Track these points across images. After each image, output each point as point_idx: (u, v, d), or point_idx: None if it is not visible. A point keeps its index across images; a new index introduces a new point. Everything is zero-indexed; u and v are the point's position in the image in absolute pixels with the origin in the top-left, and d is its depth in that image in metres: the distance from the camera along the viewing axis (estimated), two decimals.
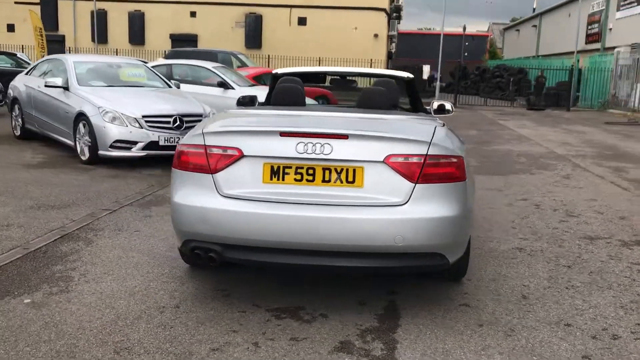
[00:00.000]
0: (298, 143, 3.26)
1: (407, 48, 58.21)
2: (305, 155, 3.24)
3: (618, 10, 28.32)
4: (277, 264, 3.30)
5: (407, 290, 3.88)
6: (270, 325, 3.33)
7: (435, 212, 3.23)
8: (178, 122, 8.06)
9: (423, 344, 3.16)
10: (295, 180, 3.26)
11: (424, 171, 3.24)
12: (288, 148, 3.26)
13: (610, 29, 29.19)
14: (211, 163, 3.32)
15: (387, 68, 33.20)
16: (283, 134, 3.30)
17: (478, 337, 3.25)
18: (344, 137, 3.25)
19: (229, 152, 3.31)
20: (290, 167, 3.27)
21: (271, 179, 3.28)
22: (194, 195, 3.35)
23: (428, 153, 3.26)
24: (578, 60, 30.01)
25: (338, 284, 3.93)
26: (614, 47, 27.33)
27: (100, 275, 4.02)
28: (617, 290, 4.01)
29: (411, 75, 5.48)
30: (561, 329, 3.39)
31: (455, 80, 31.95)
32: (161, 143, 7.95)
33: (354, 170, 3.24)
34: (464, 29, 54.24)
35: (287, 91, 4.44)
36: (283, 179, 3.27)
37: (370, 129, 3.38)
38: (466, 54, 56.91)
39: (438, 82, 29.70)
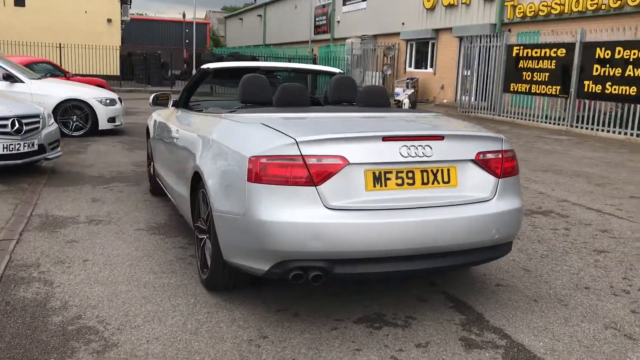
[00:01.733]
0: (402, 147, 3.19)
1: (135, 34, 55.79)
2: (409, 159, 3.19)
3: (344, 4, 31.39)
4: (386, 272, 3.20)
5: (446, 281, 4.06)
6: (379, 335, 3.22)
7: (514, 204, 3.48)
8: (17, 126, 6.77)
9: (522, 323, 3.40)
10: (397, 185, 3.19)
11: (503, 166, 3.46)
12: (392, 152, 3.18)
13: (338, 21, 32.22)
14: (313, 174, 3.04)
15: (121, 54, 31.61)
16: (386, 138, 3.19)
17: (549, 309, 3.63)
18: (441, 137, 3.29)
19: (333, 161, 3.07)
20: (391, 172, 3.19)
21: (374, 185, 3.15)
22: (296, 211, 3.03)
23: (503, 148, 3.48)
24: (312, 50, 32.55)
25: (382, 286, 3.92)
26: (343, 38, 30.30)
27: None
28: None
29: (342, 71, 5.59)
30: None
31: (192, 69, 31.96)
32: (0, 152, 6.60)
33: (448, 170, 3.30)
34: (184, 15, 54.00)
35: (292, 91, 4.19)
36: (385, 185, 3.17)
37: (457, 129, 3.46)
38: (187, 41, 56.89)
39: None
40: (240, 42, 50.70)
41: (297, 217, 3.01)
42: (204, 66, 5.13)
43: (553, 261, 4.56)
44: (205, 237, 3.81)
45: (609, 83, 13.48)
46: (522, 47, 16.27)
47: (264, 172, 3.08)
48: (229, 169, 3.32)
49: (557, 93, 15.06)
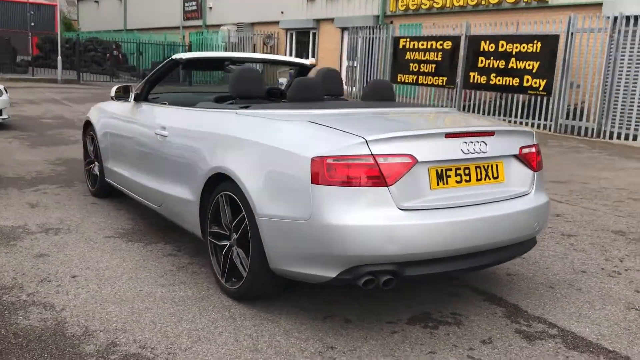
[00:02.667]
0: (462, 143, 3.16)
1: None
2: (468, 156, 3.17)
3: None
4: (448, 272, 3.16)
5: (467, 277, 4.11)
6: (441, 335, 3.18)
7: (546, 197, 3.60)
8: None
9: (557, 311, 3.54)
10: (457, 182, 3.17)
11: (537, 159, 3.56)
12: (454, 149, 3.14)
13: (211, 8, 31.36)
14: (385, 174, 2.92)
15: None
16: (448, 135, 3.13)
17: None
18: (492, 133, 3.30)
19: (403, 160, 2.97)
20: (451, 169, 3.15)
21: (437, 184, 3.10)
22: (369, 213, 2.89)
23: (535, 142, 3.58)
24: (184, 36, 31.46)
25: (407, 284, 3.88)
26: (217, 25, 29.58)
27: None
28: None
29: (314, 62, 5.44)
30: None
31: (44, 53, 29.73)
32: None
33: (497, 166, 3.33)
34: None
35: (307, 86, 3.98)
36: (447, 183, 3.13)
37: (502, 125, 3.48)
38: (33, 24, 52.43)
39: None
40: (97, 26, 47.50)
41: (370, 220, 2.87)
42: (176, 56, 4.73)
43: (536, 247, 4.79)
44: (227, 243, 3.53)
45: (493, 74, 14.44)
46: (408, 39, 16.90)
47: (332, 173, 2.90)
48: (281, 171, 3.08)
49: (444, 84, 15.85)
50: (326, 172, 2.90)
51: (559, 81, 13.09)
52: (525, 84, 13.68)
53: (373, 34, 18.25)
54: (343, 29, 22.05)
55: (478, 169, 3.24)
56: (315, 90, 4.02)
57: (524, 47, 13.64)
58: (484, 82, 14.70)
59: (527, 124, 13.73)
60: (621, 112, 12.11)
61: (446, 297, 3.70)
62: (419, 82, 16.57)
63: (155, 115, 4.48)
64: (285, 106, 3.68)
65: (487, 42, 14.52)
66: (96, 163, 5.69)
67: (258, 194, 3.16)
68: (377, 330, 3.21)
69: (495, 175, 3.31)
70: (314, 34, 24.16)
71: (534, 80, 13.49)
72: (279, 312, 3.38)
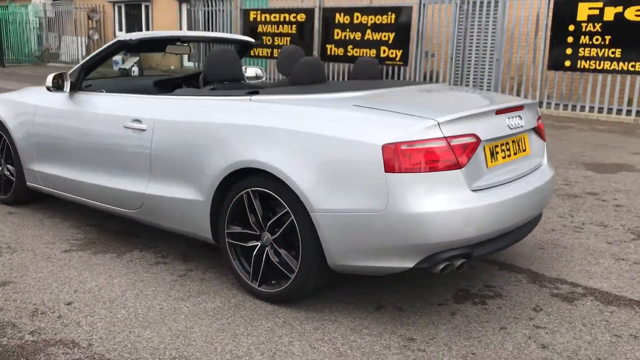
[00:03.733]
0: (507, 119, 3.20)
1: None
2: (513, 131, 3.22)
3: None
4: (498, 249, 3.19)
5: None
6: (494, 309, 3.23)
7: (552, 167, 3.78)
8: None
9: (577, 273, 3.78)
10: (502, 158, 3.20)
11: (543, 130, 3.72)
12: (502, 126, 3.16)
13: None
14: (458, 157, 2.85)
15: None
16: (498, 112, 3.14)
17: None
18: (522, 107, 3.37)
19: (470, 140, 2.92)
20: (498, 146, 3.18)
21: (491, 161, 3.11)
22: (447, 198, 2.81)
23: (539, 114, 3.74)
24: None
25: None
26: None
27: None
28: None
29: (252, 40, 5.14)
30: None
31: None
32: None
33: (524, 139, 3.43)
34: None
35: (312, 66, 3.70)
36: (497, 160, 3.15)
37: (522, 99, 3.55)
38: None
39: None
40: None
41: (449, 205, 2.80)
42: (123, 38, 4.15)
43: None
44: (257, 244, 3.23)
45: (350, 46, 14.81)
46: (259, 12, 16.64)
47: (407, 160, 2.76)
48: (343, 161, 2.86)
49: None
50: (401, 158, 2.75)
51: (414, 51, 13.80)
52: (382, 55, 14.21)
53: (215, 6, 17.66)
54: (181, 1, 21.05)
55: (514, 143, 3.30)
56: (321, 72, 3.78)
57: (378, 19, 14.14)
58: (342, 54, 15.01)
59: None
60: (474, 78, 13.14)
61: (469, 271, 3.75)
62: (274, 55, 16.44)
63: (121, 105, 3.89)
64: (303, 90, 3.41)
65: (342, 14, 14.81)
66: (7, 166, 4.85)
67: (312, 188, 2.91)
68: (435, 314, 3.16)
69: (524, 148, 3.39)
70: (147, 7, 22.77)
71: (391, 50, 14.07)
72: (328, 310, 3.18)
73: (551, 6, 11.60)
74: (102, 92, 4.30)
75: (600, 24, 11.05)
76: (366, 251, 2.87)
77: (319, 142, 2.93)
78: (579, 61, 11.34)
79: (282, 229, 3.11)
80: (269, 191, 3.09)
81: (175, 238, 4.20)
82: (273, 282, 3.22)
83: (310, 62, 3.73)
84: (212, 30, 17.77)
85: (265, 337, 2.88)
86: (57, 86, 4.19)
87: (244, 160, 3.14)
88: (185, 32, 4.68)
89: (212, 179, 3.30)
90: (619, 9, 10.84)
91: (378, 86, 3.60)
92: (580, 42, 11.28)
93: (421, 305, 3.26)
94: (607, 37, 10.98)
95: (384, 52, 14.19)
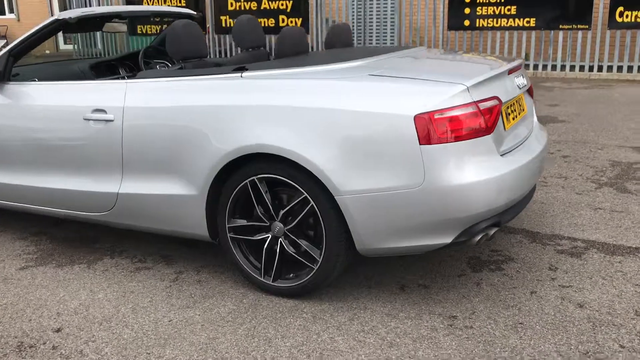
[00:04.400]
0: (515, 78, 3.10)
1: None
2: (520, 91, 3.14)
3: None
4: (516, 215, 3.10)
5: None
6: (513, 274, 3.17)
7: (544, 127, 3.76)
8: None
9: (563, 222, 3.81)
10: (512, 119, 3.11)
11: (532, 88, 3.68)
12: (513, 86, 3.07)
13: None
14: (487, 121, 2.71)
15: None
16: (510, 71, 3.03)
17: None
18: (521, 66, 3.29)
19: (494, 103, 2.78)
20: (509, 107, 3.08)
21: (507, 124, 3.01)
22: (481, 166, 2.67)
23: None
24: None
25: None
26: None
27: None
28: None
29: (194, 13, 4.71)
30: None
31: None
32: None
33: (522, 98, 3.36)
34: None
35: (296, 37, 3.38)
36: (509, 121, 3.06)
37: (517, 59, 3.46)
38: None
39: None
40: None
41: (486, 173, 2.66)
42: (62, 15, 3.60)
43: None
44: (267, 235, 2.94)
45: None
46: None
47: (441, 129, 2.58)
48: (370, 137, 2.62)
49: None
50: (436, 129, 2.57)
51: (314, 19, 13.57)
52: (281, 24, 13.86)
53: None
54: None
55: (517, 103, 3.22)
56: (305, 43, 3.47)
57: None
58: None
59: None
60: (376, 42, 13.17)
61: None
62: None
63: (74, 95, 3.37)
64: (295, 62, 3.10)
65: None
66: None
67: (336, 169, 2.66)
68: (461, 286, 3.05)
69: (522, 107, 3.33)
70: None
71: (290, 19, 13.76)
72: (353, 297, 2.97)
73: None
74: (35, 80, 3.73)
75: None
76: (401, 231, 2.67)
77: (341, 118, 2.66)
78: (477, 20, 11.67)
79: (299, 217, 2.83)
80: (281, 177, 2.79)
81: (141, 238, 3.78)
82: (292, 275, 2.94)
83: (294, 32, 3.42)
84: (88, 6, 16.45)
85: (302, 337, 2.62)
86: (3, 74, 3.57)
87: (249, 145, 2.80)
88: (126, 7, 4.15)
89: (208, 169, 2.93)
90: None
91: (367, 54, 3.36)
92: (478, 1, 11.59)
93: (443, 279, 3.14)
94: None
95: (283, 21, 13.84)
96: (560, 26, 11.03)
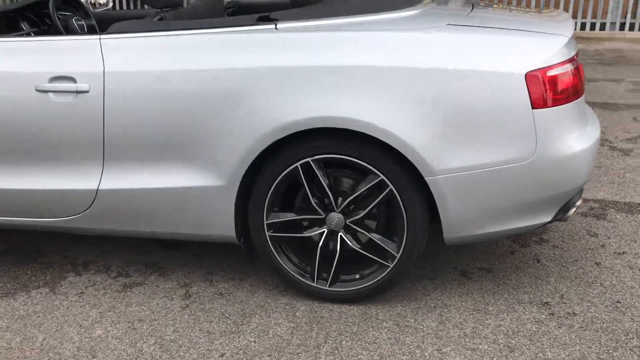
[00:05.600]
0: None
1: None
2: None
3: None
4: None
5: None
6: (557, 242, 2.95)
7: None
8: None
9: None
10: None
11: None
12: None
13: None
14: (581, 81, 2.37)
15: None
16: None
17: None
18: None
19: (578, 62, 2.43)
20: None
21: None
22: (582, 133, 2.33)
23: None
24: None
25: None
26: None
27: None
28: None
29: None
30: None
31: None
32: None
33: None
34: None
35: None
36: None
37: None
38: None
39: None
40: None
41: (586, 141, 2.32)
42: None
43: None
44: (323, 230, 2.37)
45: None
46: None
47: (554, 89, 2.18)
48: (471, 101, 2.13)
49: None
50: (549, 88, 2.16)
51: None
52: None
53: None
54: None
55: None
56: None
57: None
58: None
59: None
60: None
61: None
62: None
63: (18, 57, 2.40)
64: (328, 11, 2.44)
65: None
66: None
67: (428, 143, 2.15)
68: (524, 266, 2.74)
69: None
70: None
71: None
72: (420, 294, 2.52)
73: None
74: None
75: None
76: (501, 213, 2.25)
77: (432, 79, 2.13)
78: None
79: (371, 206, 2.28)
80: (350, 157, 2.21)
81: (93, 242, 2.94)
82: (357, 276, 2.39)
83: None
84: None
85: (404, 353, 2.12)
86: None
87: (309, 118, 2.17)
88: None
89: (243, 151, 2.24)
90: None
91: (402, 2, 2.76)
92: None
93: (497, 260, 2.80)
94: None
95: None
96: None
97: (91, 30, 3.45)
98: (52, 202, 2.46)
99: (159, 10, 2.72)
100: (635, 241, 2.94)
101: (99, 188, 2.40)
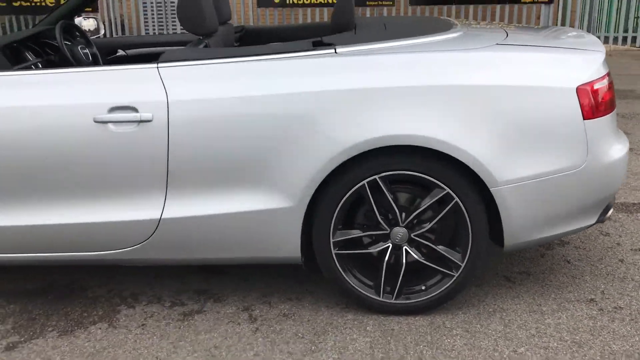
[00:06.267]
0: None
1: None
2: None
3: None
4: None
5: None
6: (609, 239, 3.16)
7: None
8: None
9: None
10: None
11: None
12: None
13: None
14: (614, 95, 2.58)
15: None
16: None
17: None
18: None
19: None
20: None
21: None
22: (619, 141, 2.55)
23: None
24: None
25: None
26: None
27: None
28: None
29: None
30: None
31: None
32: None
33: None
34: None
35: (351, 10, 2.80)
36: None
37: None
38: None
39: None
40: None
41: (624, 148, 2.54)
42: None
43: None
44: (388, 245, 2.45)
45: None
46: None
47: (599, 101, 2.38)
48: (528, 114, 2.29)
49: None
50: (597, 101, 2.35)
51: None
52: (62, 1, 12.04)
53: None
54: None
55: None
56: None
57: None
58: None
59: None
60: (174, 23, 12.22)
61: None
62: None
63: (73, 87, 2.36)
64: (377, 35, 2.55)
65: None
66: None
67: (492, 155, 2.29)
68: (556, 268, 2.92)
69: None
70: None
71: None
72: (475, 300, 2.64)
73: None
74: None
75: None
76: (556, 218, 2.42)
77: (490, 96, 2.28)
78: None
79: (436, 219, 2.39)
80: (416, 173, 2.32)
81: (135, 273, 2.90)
82: (423, 287, 2.48)
83: (348, 4, 2.86)
84: None
85: (482, 356, 2.22)
86: None
87: (380, 136, 2.26)
88: None
89: (314, 172, 2.30)
90: None
91: (437, 26, 2.88)
92: None
93: (533, 264, 2.96)
94: None
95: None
96: (367, 2, 11.48)
97: (94, 58, 3.40)
98: (110, 234, 2.42)
99: (200, 37, 2.73)
100: None
101: (162, 217, 2.38)
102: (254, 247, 2.43)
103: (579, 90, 2.31)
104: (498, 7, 10.93)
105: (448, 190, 2.33)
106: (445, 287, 2.45)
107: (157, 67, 2.36)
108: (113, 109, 2.31)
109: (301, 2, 11.43)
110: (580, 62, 2.37)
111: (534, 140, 2.31)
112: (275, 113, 2.29)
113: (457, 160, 2.29)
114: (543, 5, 10.87)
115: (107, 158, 2.34)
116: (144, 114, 2.30)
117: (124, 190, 2.38)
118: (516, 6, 11.17)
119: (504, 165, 2.29)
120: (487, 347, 2.28)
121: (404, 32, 2.54)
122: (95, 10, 11.96)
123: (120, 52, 3.90)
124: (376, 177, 2.33)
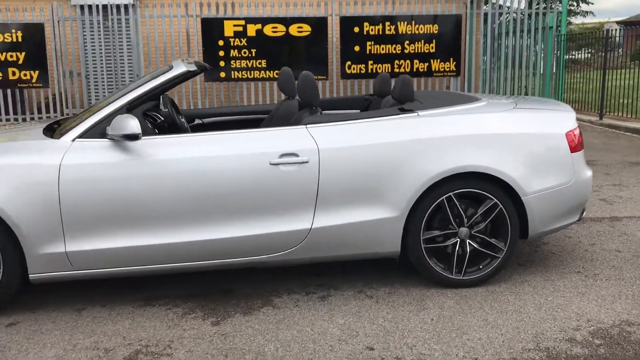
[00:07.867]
0: None
1: None
2: None
3: None
4: None
5: None
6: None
7: None
8: None
9: None
10: None
11: None
12: None
13: None
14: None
15: None
16: None
17: None
18: None
19: None
20: None
21: None
22: (588, 167, 4.03)
23: None
24: None
25: None
26: None
27: None
28: None
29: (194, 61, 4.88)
30: None
31: None
32: None
33: None
34: None
35: (407, 85, 4.12)
36: None
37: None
38: None
39: None
40: None
41: (590, 172, 4.01)
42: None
43: None
44: (456, 240, 3.72)
45: None
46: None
47: (577, 141, 3.85)
48: (539, 150, 3.70)
49: None
50: (576, 141, 3.82)
51: (54, 71, 12.73)
52: (11, 77, 12.59)
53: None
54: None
55: None
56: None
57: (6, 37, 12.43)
58: None
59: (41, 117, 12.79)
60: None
61: None
62: None
63: (254, 142, 3.48)
64: (437, 103, 3.91)
65: None
66: None
67: (522, 177, 3.65)
68: (549, 257, 4.31)
69: None
70: None
71: (23, 72, 12.61)
72: (512, 273, 3.94)
73: (199, 24, 12.70)
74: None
75: (245, 39, 12.77)
76: (559, 215, 3.81)
77: (517, 139, 3.67)
78: (232, 72, 12.82)
79: (488, 220, 3.70)
80: (477, 190, 3.63)
81: (257, 278, 3.94)
82: (480, 266, 3.74)
83: (407, 80, 4.19)
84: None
85: (548, 305, 3.49)
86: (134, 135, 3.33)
87: (457, 167, 3.56)
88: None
89: (412, 192, 3.55)
90: (259, 26, 12.78)
91: (465, 97, 4.27)
92: (231, 55, 12.77)
93: (539, 254, 4.32)
94: (253, 50, 12.81)
95: (14, 74, 12.59)
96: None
97: (182, 124, 4.44)
98: (274, 241, 3.49)
99: (314, 107, 3.93)
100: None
101: (312, 227, 3.51)
102: (368, 245, 3.61)
103: (567, 134, 3.76)
104: (415, 79, 12.86)
105: (495, 200, 3.65)
106: (493, 266, 3.73)
107: (307, 128, 3.55)
108: (282, 155, 3.45)
109: (245, 76, 12.75)
110: (565, 117, 3.85)
111: (543, 166, 3.70)
112: (386, 155, 3.53)
113: (501, 180, 3.62)
114: (452, 78, 12.96)
115: (277, 188, 3.45)
116: (303, 158, 3.46)
117: (286, 209, 3.48)
118: (430, 78, 13.17)
119: (528, 183, 3.65)
120: (527, 299, 3.56)
121: (451, 102, 3.91)
122: (45, 86, 12.61)
123: (198, 121, 5.01)
124: (450, 194, 3.61)
